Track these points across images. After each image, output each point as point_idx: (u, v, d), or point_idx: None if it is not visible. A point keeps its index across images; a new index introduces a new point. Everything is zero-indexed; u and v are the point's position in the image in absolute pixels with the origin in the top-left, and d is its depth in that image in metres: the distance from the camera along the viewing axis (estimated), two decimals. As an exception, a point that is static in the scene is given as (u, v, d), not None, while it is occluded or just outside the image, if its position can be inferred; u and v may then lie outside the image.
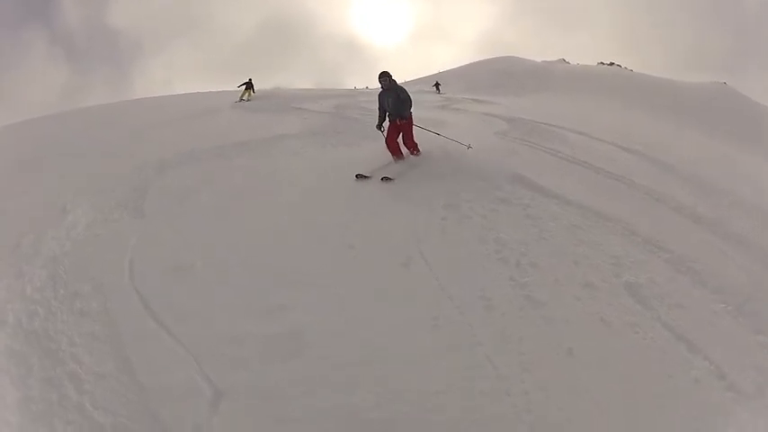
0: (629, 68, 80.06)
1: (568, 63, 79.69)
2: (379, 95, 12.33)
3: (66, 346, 6.36)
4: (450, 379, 5.47)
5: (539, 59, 74.92)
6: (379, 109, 12.35)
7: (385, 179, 10.82)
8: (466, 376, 5.50)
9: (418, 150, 12.27)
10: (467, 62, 72.52)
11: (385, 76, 11.96)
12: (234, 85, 31.50)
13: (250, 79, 31.52)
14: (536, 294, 6.80)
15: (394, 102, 11.95)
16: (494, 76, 58.46)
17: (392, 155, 12.12)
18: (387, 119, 12.28)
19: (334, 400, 5.28)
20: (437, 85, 49.44)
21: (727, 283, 7.39)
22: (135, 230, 9.32)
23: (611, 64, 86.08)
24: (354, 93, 37.55)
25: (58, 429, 5.24)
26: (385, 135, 12.25)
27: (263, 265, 7.86)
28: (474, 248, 7.93)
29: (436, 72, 67.45)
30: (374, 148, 13.01)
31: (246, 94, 30.74)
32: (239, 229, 9.07)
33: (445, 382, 5.44)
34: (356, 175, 11.09)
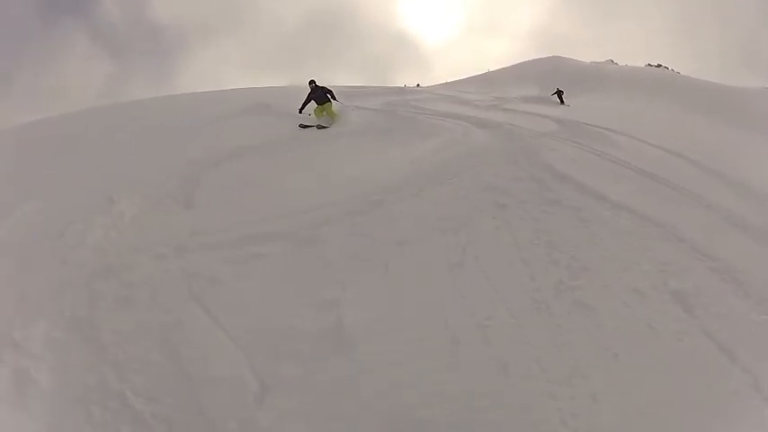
0: (676, 71, 79.06)
1: (616, 64, 78.88)
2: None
3: (109, 334, 6.53)
4: (497, 380, 5.56)
5: (588, 59, 74.51)
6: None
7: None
8: (513, 378, 5.58)
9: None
10: (518, 57, 72.30)
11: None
12: (280, 80, 30.87)
13: (324, 91, 18.99)
14: (586, 299, 6.85)
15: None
16: (542, 76, 58.07)
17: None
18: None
19: (380, 398, 5.38)
20: (559, 93, 39.24)
21: None
22: (184, 221, 9.54)
23: (659, 66, 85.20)
24: (403, 91, 37.65)
25: (95, 415, 5.37)
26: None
27: (315, 258, 8.02)
28: (526, 250, 7.96)
29: (485, 71, 67.19)
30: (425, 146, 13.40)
31: (322, 113, 18.72)
32: (290, 221, 9.18)
33: (492, 383, 5.52)
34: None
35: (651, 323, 6.51)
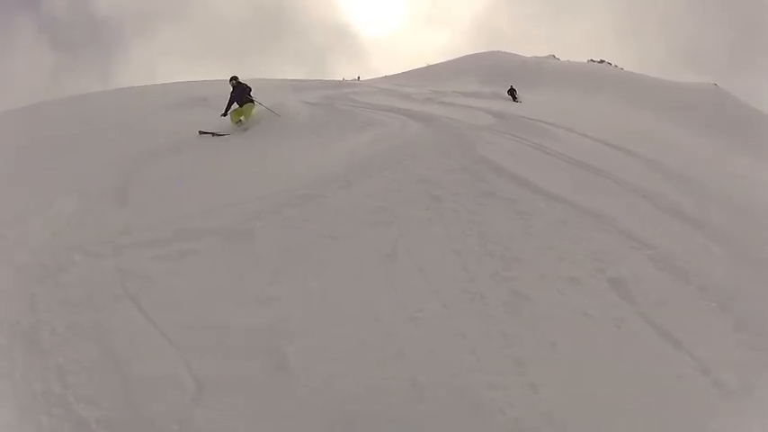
0: (619, 66, 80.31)
1: (558, 59, 79.82)
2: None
3: (49, 337, 6.36)
4: (434, 371, 5.47)
5: (529, 54, 75.16)
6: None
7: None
8: (449, 369, 5.50)
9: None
10: (459, 51, 72.94)
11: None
12: (222, 72, 30.68)
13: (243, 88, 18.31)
14: (520, 288, 6.79)
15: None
16: (482, 70, 58.60)
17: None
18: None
19: (317, 393, 5.27)
20: (513, 90, 37.39)
21: (711, 281, 7.37)
22: (120, 218, 9.38)
23: (602, 61, 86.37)
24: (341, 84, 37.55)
25: (44, 424, 5.20)
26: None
27: (247, 254, 7.91)
28: (459, 241, 7.90)
29: (425, 65, 67.50)
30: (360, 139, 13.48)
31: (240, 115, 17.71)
32: (222, 216, 9.06)
33: (428, 374, 5.43)
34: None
35: (588, 311, 6.50)
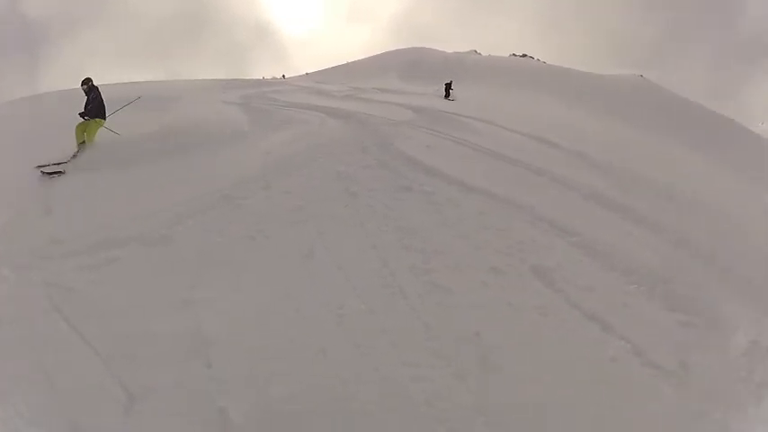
0: (542, 60, 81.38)
1: (480, 54, 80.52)
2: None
3: None
4: (359, 368, 5.40)
5: (450, 50, 75.61)
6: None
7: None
8: (374, 363, 5.44)
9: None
10: (381, 48, 72.96)
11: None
12: (147, 74, 29.42)
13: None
14: (440, 281, 6.78)
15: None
16: (404, 66, 58.90)
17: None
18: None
19: (246, 396, 5.15)
20: (448, 87, 35.52)
21: (638, 265, 7.52)
22: (45, 229, 9.02)
23: (524, 56, 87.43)
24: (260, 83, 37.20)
25: None
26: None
27: (168, 259, 7.75)
28: (376, 237, 7.88)
29: (344, 63, 67.39)
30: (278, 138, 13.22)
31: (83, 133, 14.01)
32: (142, 223, 8.80)
33: (354, 371, 5.36)
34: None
35: (511, 300, 6.53)
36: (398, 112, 19.24)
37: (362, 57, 69.39)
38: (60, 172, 11.96)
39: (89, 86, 14.25)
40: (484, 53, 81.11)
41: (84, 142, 13.69)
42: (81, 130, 13.85)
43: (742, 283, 7.55)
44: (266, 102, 22.31)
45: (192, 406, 5.06)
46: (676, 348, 5.85)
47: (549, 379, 5.28)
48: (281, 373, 5.36)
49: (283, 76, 59.20)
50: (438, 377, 5.23)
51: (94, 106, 14.07)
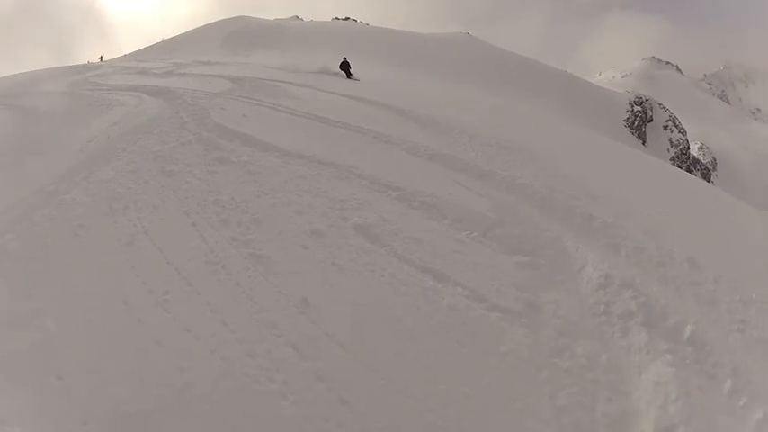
0: (365, 23, 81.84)
1: (302, 20, 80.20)
2: None
3: None
4: (194, 351, 5.32)
5: (272, 17, 74.91)
6: None
7: None
8: (208, 346, 5.36)
9: None
10: (203, 21, 71.41)
11: None
12: None
13: None
14: (261, 250, 6.79)
15: None
16: (226, 37, 57.82)
17: None
18: None
19: (89, 400, 4.90)
20: (345, 65, 29.82)
21: (468, 213, 7.80)
22: None
23: (347, 19, 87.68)
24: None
25: None
26: None
27: (3, 272, 7.10)
28: (195, 214, 7.78)
29: (161, 40, 65.65)
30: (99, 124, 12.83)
31: None
32: None
33: (189, 356, 5.26)
34: None
35: (336, 261, 6.62)
36: (217, 83, 19.01)
37: (184, 30, 67.96)
38: None
39: None
40: (306, 18, 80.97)
41: None
42: None
43: (584, 222, 8.00)
44: (88, 87, 21.18)
45: (36, 425, 4.75)
46: (520, 290, 6.14)
47: (386, 336, 5.40)
48: (117, 371, 5.16)
49: (101, 58, 56.84)
50: (273, 348, 5.23)
51: None
